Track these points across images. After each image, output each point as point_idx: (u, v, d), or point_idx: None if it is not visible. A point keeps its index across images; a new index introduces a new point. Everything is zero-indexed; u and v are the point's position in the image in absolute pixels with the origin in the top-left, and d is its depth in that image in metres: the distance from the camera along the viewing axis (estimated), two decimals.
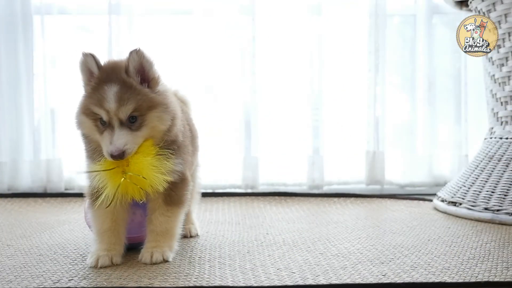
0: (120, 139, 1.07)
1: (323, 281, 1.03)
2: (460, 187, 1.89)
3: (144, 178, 1.10)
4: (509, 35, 1.78)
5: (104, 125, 1.10)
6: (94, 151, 1.16)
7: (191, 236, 1.47)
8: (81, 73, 1.14)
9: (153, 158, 1.12)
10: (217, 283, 1.01)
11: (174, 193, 1.19)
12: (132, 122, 1.09)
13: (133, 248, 1.23)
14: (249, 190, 2.48)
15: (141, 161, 1.10)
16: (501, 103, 1.87)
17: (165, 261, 1.16)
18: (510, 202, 1.67)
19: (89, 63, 1.12)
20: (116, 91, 1.08)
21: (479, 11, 1.89)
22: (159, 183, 1.12)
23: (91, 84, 1.12)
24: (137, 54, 1.11)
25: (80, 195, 2.37)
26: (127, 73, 1.10)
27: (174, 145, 1.18)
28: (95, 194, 1.15)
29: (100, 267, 1.12)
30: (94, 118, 1.11)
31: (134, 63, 1.11)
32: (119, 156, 1.06)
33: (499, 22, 1.78)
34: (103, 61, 1.16)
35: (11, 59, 2.47)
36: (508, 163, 1.77)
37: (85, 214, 1.35)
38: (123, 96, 1.08)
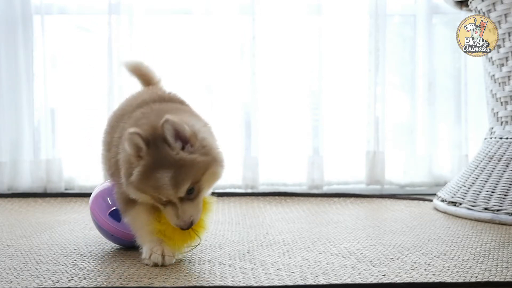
0: (185, 213, 1.10)
1: (323, 281, 1.03)
2: (460, 187, 1.89)
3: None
4: (509, 35, 1.78)
5: (164, 201, 1.11)
6: None
7: None
8: (129, 148, 1.09)
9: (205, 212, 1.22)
10: (217, 283, 1.01)
11: None
12: (191, 193, 1.10)
13: (133, 247, 1.23)
14: (249, 190, 2.48)
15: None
16: (501, 103, 1.87)
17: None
18: (510, 202, 1.67)
19: (136, 140, 1.07)
20: (171, 177, 1.05)
21: (479, 11, 1.89)
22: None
23: (141, 169, 1.08)
24: (169, 123, 1.05)
25: (80, 195, 2.39)
26: (171, 148, 1.07)
27: None
28: (129, 201, 1.18)
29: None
30: (152, 195, 1.10)
31: (171, 132, 1.06)
32: (188, 227, 1.12)
33: (499, 22, 1.78)
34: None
35: (11, 59, 2.47)
36: (508, 163, 1.77)
37: (90, 206, 1.34)
38: (178, 179, 1.06)
